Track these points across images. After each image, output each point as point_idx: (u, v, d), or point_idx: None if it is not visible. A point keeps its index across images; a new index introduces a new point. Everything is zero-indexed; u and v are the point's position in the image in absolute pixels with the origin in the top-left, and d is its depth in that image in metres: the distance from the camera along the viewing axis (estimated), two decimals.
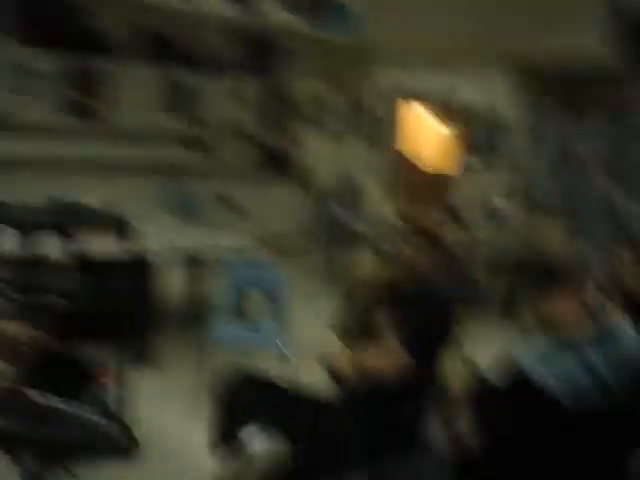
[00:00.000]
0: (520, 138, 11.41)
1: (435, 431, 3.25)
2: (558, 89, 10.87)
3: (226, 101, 10.50)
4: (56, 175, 7.54)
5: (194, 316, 6.22)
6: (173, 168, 9.99)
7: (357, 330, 3.18)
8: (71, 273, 4.40)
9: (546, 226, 10.74)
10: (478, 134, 11.76)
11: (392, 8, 9.94)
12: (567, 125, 10.95)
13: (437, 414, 3.24)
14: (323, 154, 11.80)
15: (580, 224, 10.81)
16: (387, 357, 2.91)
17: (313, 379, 3.27)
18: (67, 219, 5.10)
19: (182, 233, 6.38)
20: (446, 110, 12.19)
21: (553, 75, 10.43)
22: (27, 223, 4.85)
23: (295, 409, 3.06)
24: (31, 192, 5.53)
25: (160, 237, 5.64)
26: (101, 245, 5.01)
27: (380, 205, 11.90)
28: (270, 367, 3.62)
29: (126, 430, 2.81)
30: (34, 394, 2.64)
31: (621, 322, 2.36)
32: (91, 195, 5.90)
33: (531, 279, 2.63)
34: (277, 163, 11.01)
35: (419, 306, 3.03)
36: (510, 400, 2.32)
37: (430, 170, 12.40)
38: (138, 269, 5.12)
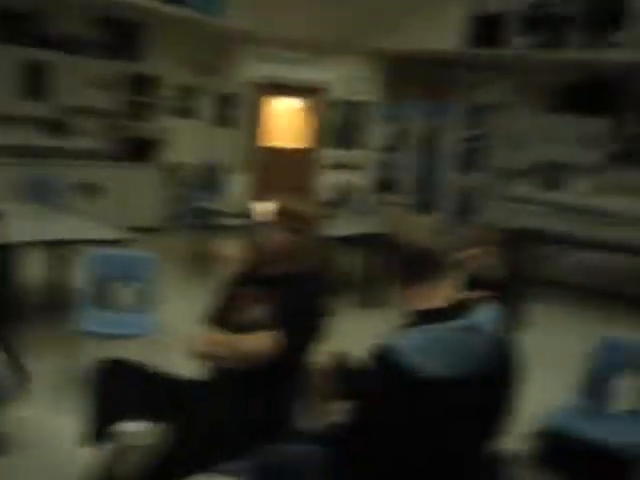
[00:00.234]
0: (378, 120, 11.74)
1: (305, 412, 3.40)
2: (418, 75, 11.27)
3: (88, 84, 10.28)
4: None
5: (58, 305, 6.12)
6: (33, 152, 9.71)
7: (228, 313, 3.21)
8: None
9: (402, 208, 11.14)
10: (339, 117, 12.00)
11: None
12: (426, 109, 11.36)
13: (307, 396, 3.39)
14: (187, 139, 11.75)
15: (435, 205, 11.29)
16: (259, 340, 3.00)
17: (185, 363, 3.30)
18: None
19: (44, 219, 6.24)
20: (309, 95, 12.36)
21: (413, 62, 10.79)
22: None
23: (168, 394, 3.07)
24: None
25: (21, 223, 5.51)
26: None
27: (244, 189, 11.98)
28: (140, 354, 3.63)
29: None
30: None
31: (480, 302, 2.56)
32: None
33: (394, 265, 2.73)
34: (141, 148, 10.87)
35: (287, 288, 3.10)
36: (380, 380, 2.47)
37: (292, 152, 12.54)
38: None
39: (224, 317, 3.20)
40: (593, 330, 4.27)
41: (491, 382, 2.51)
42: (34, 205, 7.05)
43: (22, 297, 5.82)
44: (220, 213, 9.54)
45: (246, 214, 8.10)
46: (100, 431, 2.90)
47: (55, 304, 6.31)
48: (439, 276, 2.59)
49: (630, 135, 10.02)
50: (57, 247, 6.26)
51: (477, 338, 2.44)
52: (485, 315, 2.52)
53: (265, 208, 7.05)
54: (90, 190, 10.03)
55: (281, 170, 12.03)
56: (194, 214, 9.45)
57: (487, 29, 10.29)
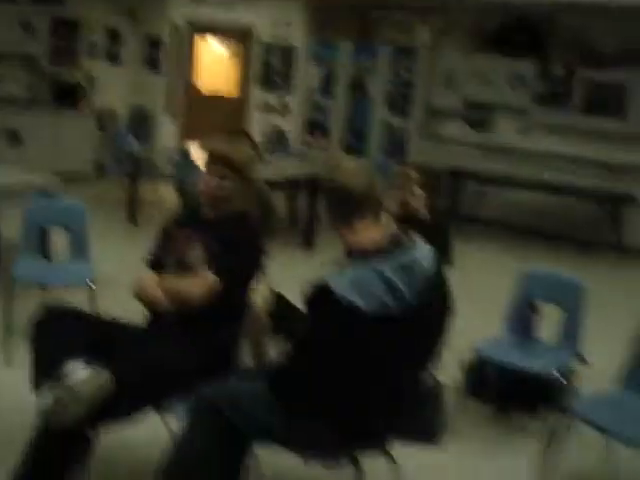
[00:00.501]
0: (307, 62, 11.71)
1: (247, 350, 3.51)
2: (345, 16, 11.25)
3: (9, 29, 10.00)
4: None
5: None
6: None
7: (166, 256, 3.26)
8: None
9: (333, 151, 11.21)
10: (268, 60, 11.94)
11: None
12: (354, 50, 11.37)
13: (248, 334, 3.50)
14: (115, 84, 11.57)
15: (365, 146, 11.38)
16: (196, 281, 3.07)
17: (122, 309, 3.35)
18: None
19: None
20: (237, 38, 12.24)
21: (340, 3, 10.76)
22: None
23: (109, 337, 3.10)
24: None
25: None
26: None
27: (174, 134, 11.89)
28: (77, 302, 3.66)
29: None
30: None
31: (412, 240, 2.69)
32: None
33: (329, 206, 2.83)
34: (66, 94, 10.66)
35: (223, 230, 3.14)
36: (316, 317, 2.58)
37: (221, 96, 12.44)
38: None
39: (162, 260, 3.25)
40: (519, 265, 4.46)
41: (426, 316, 2.64)
42: None
43: None
44: (150, 158, 9.49)
45: (177, 159, 8.08)
46: (44, 377, 2.93)
47: None
48: (372, 216, 2.71)
49: (556, 76, 10.22)
50: None
51: (412, 274, 2.56)
52: (419, 252, 2.64)
53: (196, 152, 7.07)
54: (14, 137, 9.83)
55: (211, 114, 11.95)
56: (124, 160, 9.37)
57: None
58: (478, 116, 10.95)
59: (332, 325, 2.52)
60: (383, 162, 10.05)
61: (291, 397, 2.65)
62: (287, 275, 5.00)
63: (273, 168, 7.96)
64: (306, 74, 11.76)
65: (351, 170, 2.77)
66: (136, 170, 8.44)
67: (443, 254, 4.53)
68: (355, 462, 2.76)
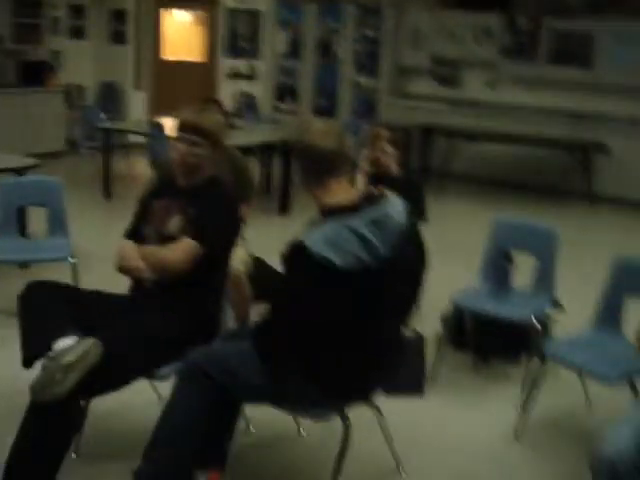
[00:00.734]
0: (273, 27, 11.67)
1: (229, 314, 3.58)
2: None
3: None
4: None
5: None
6: None
7: (145, 227, 3.30)
8: None
9: (302, 114, 11.22)
10: (234, 26, 11.88)
11: None
12: (319, 12, 11.34)
13: (230, 299, 3.57)
14: (82, 60, 11.48)
15: (335, 108, 11.40)
16: (176, 250, 3.10)
17: (103, 282, 3.39)
18: None
19: None
20: (203, 5, 12.16)
21: None
22: None
23: (94, 309, 3.13)
24: None
25: None
26: None
27: (145, 106, 11.83)
28: (60, 278, 3.68)
29: None
30: None
31: (384, 196, 2.76)
32: None
33: (301, 167, 2.89)
34: (33, 72, 10.56)
35: (200, 198, 3.18)
36: (292, 274, 2.66)
37: (190, 65, 12.38)
38: None
39: (142, 230, 3.29)
40: (492, 216, 4.53)
41: (401, 268, 2.72)
42: None
43: None
44: (123, 132, 9.46)
45: (148, 131, 8.07)
46: (33, 353, 2.98)
47: None
48: (344, 174, 2.78)
49: (522, 28, 10.25)
50: None
51: (385, 228, 2.63)
52: (391, 207, 2.71)
53: (167, 123, 7.08)
54: None
55: (180, 84, 11.90)
56: (96, 135, 9.34)
57: None
58: (446, 72, 10.99)
59: (308, 281, 2.60)
60: (354, 122, 10.07)
61: (273, 354, 2.73)
62: (264, 240, 5.06)
63: (245, 134, 7.99)
64: (273, 38, 11.73)
65: (321, 130, 2.82)
66: (108, 144, 8.42)
67: (417, 210, 4.62)
68: (342, 415, 2.85)
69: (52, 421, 2.80)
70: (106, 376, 2.87)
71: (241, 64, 11.92)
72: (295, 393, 2.74)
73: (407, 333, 4.07)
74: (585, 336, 3.69)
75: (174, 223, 3.16)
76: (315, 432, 3.50)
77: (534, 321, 3.97)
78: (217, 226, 3.13)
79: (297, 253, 2.58)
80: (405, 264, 2.73)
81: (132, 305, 3.18)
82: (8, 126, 9.77)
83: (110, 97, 11.80)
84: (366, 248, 2.57)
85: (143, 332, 2.98)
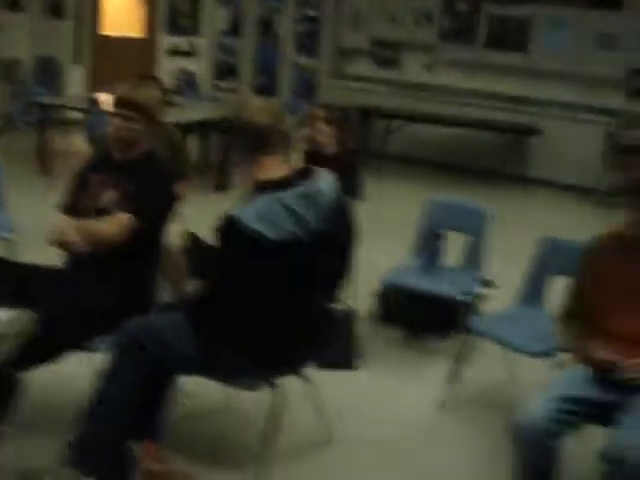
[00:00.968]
0: (214, 4, 11.62)
1: (164, 287, 3.62)
2: None
3: None
4: None
5: None
6: None
7: (81, 201, 3.32)
8: None
9: (241, 93, 11.21)
10: (178, 4, 11.80)
11: None
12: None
13: (164, 273, 3.61)
14: (19, 33, 11.26)
15: (275, 88, 11.42)
16: (110, 223, 3.13)
17: (41, 259, 3.40)
18: None
19: None
20: None
21: None
22: None
23: (29, 281, 3.16)
24: None
25: None
26: None
27: (83, 81, 11.68)
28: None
29: None
30: None
31: (316, 173, 2.84)
32: None
33: (237, 143, 2.95)
34: None
35: (135, 173, 3.22)
36: (224, 247, 2.73)
37: (129, 41, 12.24)
38: None
39: (78, 204, 3.31)
40: (428, 197, 4.65)
41: (331, 242, 2.81)
42: None
43: None
44: (60, 107, 9.34)
45: (86, 106, 8.00)
46: None
47: None
48: (279, 151, 2.85)
49: (461, 12, 10.39)
50: None
51: (316, 203, 2.71)
52: (322, 183, 2.80)
53: (105, 98, 7.04)
54: None
55: (120, 59, 11.76)
56: (33, 110, 9.20)
57: None
58: (386, 54, 11.09)
59: (240, 254, 2.67)
60: (293, 102, 10.11)
61: (206, 326, 2.79)
62: (202, 218, 5.07)
63: (184, 111, 7.97)
64: (213, 16, 11.67)
65: (257, 107, 2.88)
66: (45, 120, 8.31)
67: (352, 188, 4.72)
68: (272, 385, 2.93)
69: None
70: (41, 347, 2.90)
71: (181, 41, 11.84)
72: (226, 365, 2.81)
73: (339, 308, 4.19)
74: (510, 312, 3.83)
75: (109, 197, 3.20)
76: (249, 403, 3.58)
77: (462, 297, 4.10)
78: (152, 200, 3.17)
79: (229, 226, 2.64)
80: (335, 238, 2.82)
81: (68, 278, 3.21)
82: None
83: (48, 72, 11.61)
84: (297, 222, 2.65)
85: (78, 304, 3.02)
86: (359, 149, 10.33)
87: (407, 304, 4.61)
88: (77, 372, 3.55)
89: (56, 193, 3.48)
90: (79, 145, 8.91)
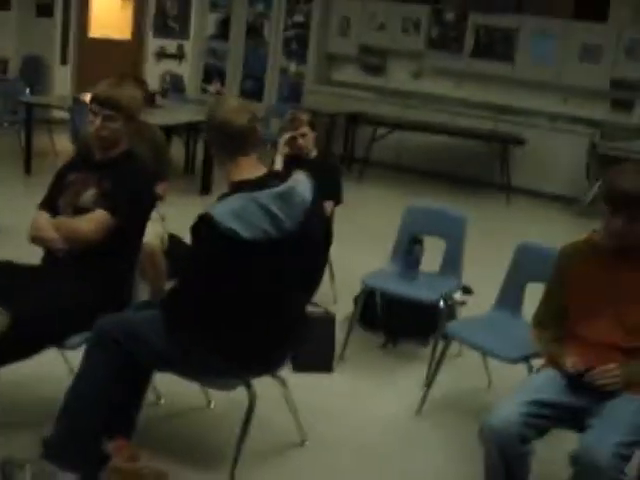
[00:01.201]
0: (203, 8, 11.63)
1: (140, 288, 3.63)
2: None
3: None
4: None
5: None
6: None
7: (61, 199, 3.31)
8: None
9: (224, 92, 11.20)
10: (167, 7, 11.80)
11: None
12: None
13: (142, 272, 3.61)
14: (6, 33, 11.23)
15: (262, 92, 11.43)
16: (87, 221, 3.12)
17: (24, 256, 3.40)
18: None
19: None
20: None
21: None
22: None
23: (5, 278, 3.18)
24: None
25: None
26: None
27: (68, 81, 11.65)
28: None
29: None
30: None
31: (293, 174, 2.86)
32: None
33: (213, 142, 2.97)
34: None
35: (114, 172, 3.20)
36: (198, 244, 2.74)
37: (116, 42, 12.22)
38: None
39: (58, 203, 3.31)
40: (410, 203, 4.67)
41: (305, 243, 2.83)
42: None
43: None
44: (46, 107, 9.32)
45: (71, 106, 7.98)
46: None
47: None
48: (254, 151, 2.88)
49: (449, 21, 10.45)
50: None
51: (291, 203, 2.73)
52: (298, 184, 2.82)
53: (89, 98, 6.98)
54: None
55: (107, 61, 11.73)
56: (17, 109, 9.17)
57: None
58: (373, 61, 11.14)
59: (214, 252, 2.68)
60: (280, 107, 10.13)
61: (179, 323, 2.80)
62: (184, 220, 5.07)
63: (169, 114, 7.97)
64: (202, 20, 11.69)
65: (234, 108, 2.89)
66: (29, 119, 8.29)
67: (333, 192, 4.74)
68: (247, 384, 2.94)
69: None
70: (17, 344, 2.90)
71: (169, 44, 11.84)
72: (199, 362, 2.82)
73: (318, 311, 4.20)
74: (486, 317, 3.85)
75: (88, 196, 3.20)
76: (224, 404, 3.58)
77: (439, 302, 4.12)
78: (130, 198, 3.17)
79: (204, 224, 2.65)
80: (309, 239, 2.84)
81: (44, 275, 3.21)
82: None
83: (35, 71, 11.56)
84: (271, 221, 2.67)
85: (54, 300, 3.01)
86: (345, 155, 10.38)
87: (386, 309, 4.63)
88: (52, 371, 3.55)
89: (38, 192, 3.47)
90: (64, 145, 8.89)
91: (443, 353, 3.79)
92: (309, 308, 4.39)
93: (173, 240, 4.52)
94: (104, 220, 3.10)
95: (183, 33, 11.79)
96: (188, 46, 11.80)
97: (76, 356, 3.03)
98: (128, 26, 12.14)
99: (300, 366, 4.05)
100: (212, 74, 11.71)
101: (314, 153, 4.83)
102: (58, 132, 9.38)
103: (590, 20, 9.63)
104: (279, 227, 2.69)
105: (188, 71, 11.80)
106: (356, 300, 4.54)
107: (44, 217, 3.23)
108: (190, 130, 8.67)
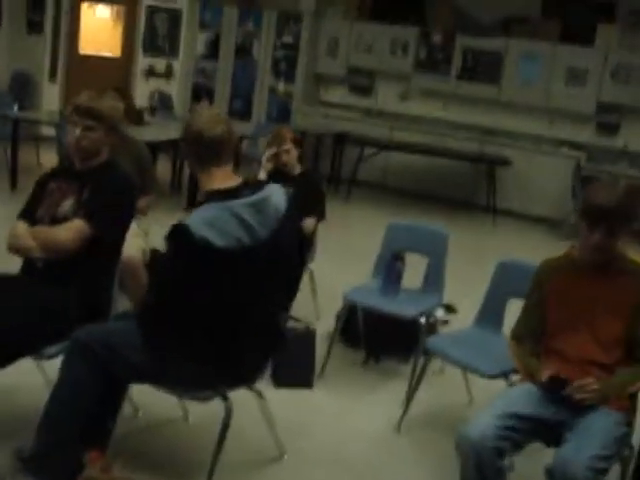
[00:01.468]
0: (192, 27, 11.69)
1: (120, 300, 3.62)
2: None
3: None
4: None
5: None
6: None
7: (41, 208, 3.31)
8: None
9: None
10: (157, 25, 11.84)
11: None
12: (239, 15, 11.42)
13: (121, 283, 3.60)
14: None
15: (251, 111, 11.46)
16: (64, 230, 3.11)
17: (5, 269, 3.38)
18: None
19: None
20: (122, 1, 12.06)
21: None
22: None
23: None
24: None
25: None
26: None
27: (58, 98, 11.67)
28: None
29: None
30: None
31: (268, 186, 2.87)
32: None
33: (187, 152, 2.98)
34: None
35: (92, 182, 3.20)
36: (172, 253, 2.73)
37: (106, 60, 12.24)
38: None
39: (37, 213, 3.30)
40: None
41: (279, 253, 2.83)
42: None
43: None
44: (33, 122, 9.32)
45: (58, 122, 7.99)
46: None
47: None
48: (228, 162, 2.89)
49: (436, 43, 10.53)
50: None
51: (265, 212, 2.74)
52: (272, 194, 2.83)
53: (69, 108, 6.95)
54: None
55: (96, 78, 11.74)
56: (5, 124, 9.16)
57: None
58: (361, 82, 11.20)
59: (187, 260, 2.67)
60: (268, 127, 10.15)
61: (154, 332, 2.79)
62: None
63: (156, 130, 7.99)
64: (192, 39, 11.74)
65: (208, 118, 2.91)
66: (16, 135, 8.28)
67: (316, 208, 4.75)
68: (223, 396, 2.92)
69: None
70: None
71: (159, 62, 11.87)
72: (174, 373, 2.81)
73: (298, 327, 4.20)
74: (467, 333, 3.85)
75: (67, 205, 3.19)
76: (203, 417, 3.56)
77: (419, 318, 4.12)
78: (108, 208, 3.16)
79: (178, 234, 2.65)
80: (283, 248, 2.84)
81: (22, 284, 3.19)
82: None
83: (24, 87, 11.58)
84: (245, 230, 2.67)
85: (31, 310, 3.00)
86: (332, 175, 10.41)
87: (368, 325, 4.62)
88: (29, 382, 3.53)
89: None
90: (52, 161, 8.88)
91: (424, 369, 3.78)
92: (290, 324, 4.41)
93: (155, 255, 4.51)
94: (81, 229, 3.10)
95: (172, 52, 11.83)
96: (177, 65, 11.83)
97: (53, 366, 3.01)
98: (118, 44, 12.17)
99: (280, 382, 4.04)
100: (201, 93, 11.74)
101: (298, 169, 4.86)
102: (45, 148, 9.38)
103: (576, 43, 9.73)
104: (253, 236, 2.69)
105: (177, 90, 11.82)
106: (338, 316, 4.53)
107: (22, 226, 3.22)
108: (177, 147, 8.67)
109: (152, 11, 11.80)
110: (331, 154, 10.63)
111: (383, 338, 4.64)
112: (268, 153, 4.73)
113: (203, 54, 11.74)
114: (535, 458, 3.06)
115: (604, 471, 2.61)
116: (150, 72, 11.87)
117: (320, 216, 4.78)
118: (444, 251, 4.34)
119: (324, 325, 4.73)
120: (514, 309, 3.49)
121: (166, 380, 2.87)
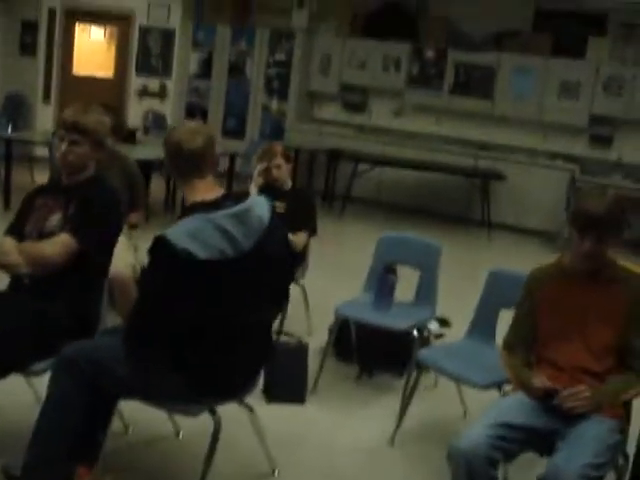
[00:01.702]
0: (186, 46, 11.72)
1: (107, 315, 3.59)
2: (225, 4, 11.31)
3: None
4: None
5: None
6: None
7: (28, 224, 3.29)
8: None
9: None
10: (150, 45, 11.88)
11: None
12: (232, 34, 11.46)
13: (110, 298, 3.57)
14: None
15: (244, 129, 11.48)
16: (51, 245, 3.09)
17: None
18: None
19: None
20: (116, 22, 12.10)
21: None
22: None
23: None
24: None
25: None
26: None
27: (52, 119, 11.69)
28: None
29: None
30: None
31: (251, 197, 2.86)
32: None
33: (169, 164, 2.95)
34: None
35: (79, 196, 3.19)
36: (154, 266, 2.71)
37: (100, 81, 12.27)
38: None
39: (25, 228, 3.28)
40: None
41: (264, 264, 2.81)
42: None
43: None
44: (26, 143, 9.33)
45: (51, 141, 7.98)
46: None
47: None
48: (209, 173, 2.89)
49: (428, 59, 10.57)
50: None
51: (248, 223, 2.73)
52: (255, 205, 2.82)
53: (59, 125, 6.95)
54: None
55: (90, 99, 11.74)
56: (0, 145, 9.16)
57: None
58: (354, 99, 11.23)
59: (170, 272, 2.65)
60: (261, 144, 10.15)
61: (139, 346, 2.76)
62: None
63: (149, 149, 8.00)
64: (185, 58, 11.77)
65: (188, 129, 2.91)
66: (9, 155, 8.29)
67: (307, 222, 4.74)
68: (211, 410, 2.89)
69: None
70: None
71: (152, 82, 11.90)
72: (160, 387, 2.78)
73: (290, 341, 4.17)
74: (459, 344, 3.83)
75: (54, 220, 3.18)
76: (193, 433, 3.53)
77: (412, 331, 4.09)
78: (93, 223, 3.14)
79: (160, 246, 2.63)
80: (268, 259, 2.82)
81: (9, 301, 3.17)
82: None
83: (17, 109, 11.61)
84: (228, 241, 2.65)
85: (19, 327, 2.97)
86: (326, 191, 10.41)
87: (361, 340, 4.60)
88: (17, 399, 3.50)
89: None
90: (44, 180, 8.86)
91: (417, 381, 3.75)
92: (283, 338, 4.39)
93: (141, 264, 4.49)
94: (67, 243, 3.08)
95: (166, 72, 11.86)
96: (171, 84, 11.86)
97: (43, 382, 2.98)
98: (111, 64, 12.20)
99: (273, 397, 4.01)
100: (194, 112, 11.76)
101: (289, 184, 4.85)
102: (39, 168, 9.37)
103: (568, 57, 9.77)
104: (236, 247, 2.67)
105: (170, 109, 11.84)
106: (331, 330, 4.50)
107: (9, 242, 3.20)
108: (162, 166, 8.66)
109: (145, 31, 11.84)
110: (325, 171, 10.64)
111: (376, 352, 4.61)
112: (259, 168, 4.73)
113: (196, 73, 11.77)
114: (528, 468, 3.03)
115: (598, 479, 2.59)
116: (144, 92, 11.90)
117: (312, 231, 4.77)
118: (436, 263, 4.32)
119: (317, 340, 4.70)
120: (506, 319, 3.47)
121: (151, 392, 2.84)
